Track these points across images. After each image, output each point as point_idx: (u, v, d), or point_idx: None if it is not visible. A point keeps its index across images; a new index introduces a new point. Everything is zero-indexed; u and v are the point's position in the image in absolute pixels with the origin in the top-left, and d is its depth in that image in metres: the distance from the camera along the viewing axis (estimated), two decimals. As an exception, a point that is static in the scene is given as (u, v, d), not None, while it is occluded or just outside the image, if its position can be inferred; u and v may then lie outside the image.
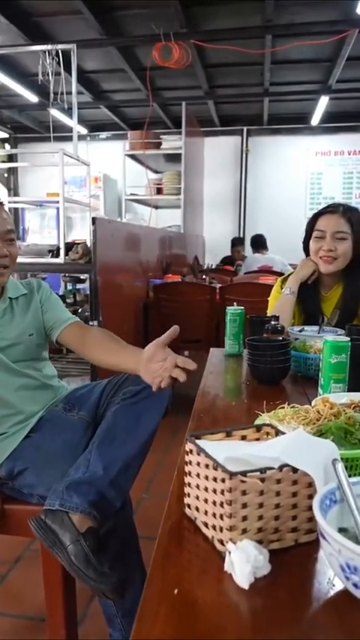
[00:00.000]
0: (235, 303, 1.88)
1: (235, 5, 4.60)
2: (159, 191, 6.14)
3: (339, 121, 7.72)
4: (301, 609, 0.59)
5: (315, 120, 7.45)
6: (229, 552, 0.63)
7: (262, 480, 0.64)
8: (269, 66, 5.74)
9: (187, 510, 0.76)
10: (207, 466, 0.68)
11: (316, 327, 1.83)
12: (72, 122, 4.07)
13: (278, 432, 0.79)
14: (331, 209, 1.90)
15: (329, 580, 0.62)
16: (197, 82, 6.28)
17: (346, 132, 7.83)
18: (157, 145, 6.02)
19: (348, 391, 1.24)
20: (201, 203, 7.66)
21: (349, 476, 0.69)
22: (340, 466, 0.66)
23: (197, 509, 0.72)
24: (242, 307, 1.84)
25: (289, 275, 2.07)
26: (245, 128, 8.10)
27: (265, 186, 8.07)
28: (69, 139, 3.99)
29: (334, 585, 0.61)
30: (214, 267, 6.53)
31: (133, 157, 6.30)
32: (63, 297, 4.01)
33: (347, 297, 1.92)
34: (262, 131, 8.11)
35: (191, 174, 6.34)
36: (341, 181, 7.86)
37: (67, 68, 3.98)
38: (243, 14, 4.74)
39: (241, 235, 7.97)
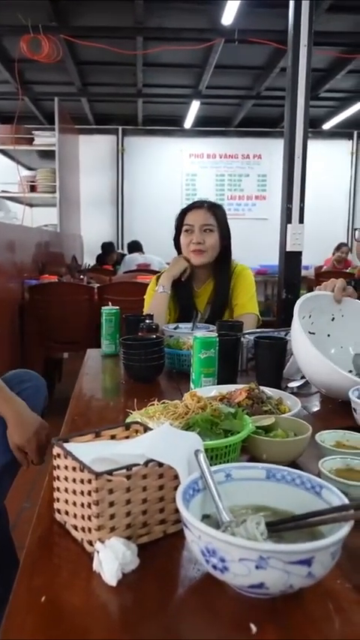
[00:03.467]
0: (109, 303, 1.88)
1: (106, 3, 4.59)
2: (33, 188, 5.93)
3: (210, 125, 8.06)
4: (169, 597, 0.61)
5: (188, 123, 7.70)
6: (98, 552, 0.63)
7: (128, 477, 0.65)
8: (142, 67, 5.81)
9: (57, 515, 0.75)
10: (74, 469, 0.68)
11: (190, 324, 1.90)
12: None
13: (146, 429, 0.81)
14: (197, 205, 2.02)
15: (194, 566, 0.65)
16: (70, 78, 6.16)
17: (218, 136, 8.21)
18: (30, 141, 5.81)
19: (218, 384, 1.31)
20: (78, 202, 7.53)
21: (214, 465, 0.73)
22: (201, 456, 0.69)
23: (67, 513, 0.72)
24: (117, 307, 1.85)
25: (162, 272, 2.13)
26: (120, 128, 8.13)
27: (141, 186, 8.17)
28: None
29: (198, 570, 0.64)
30: (91, 266, 6.49)
31: (3, 152, 6.01)
32: None
33: (218, 292, 2.03)
34: (137, 131, 8.19)
35: (67, 172, 6.20)
36: (214, 183, 8.23)
37: None
38: (113, 13, 4.75)
39: (120, 234, 8.00)
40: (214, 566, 0.56)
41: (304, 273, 5.76)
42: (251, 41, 4.82)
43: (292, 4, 3.01)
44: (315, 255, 6.99)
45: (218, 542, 0.54)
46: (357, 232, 1.67)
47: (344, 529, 0.55)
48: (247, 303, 2.02)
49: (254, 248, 7.13)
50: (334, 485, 0.66)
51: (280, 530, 0.63)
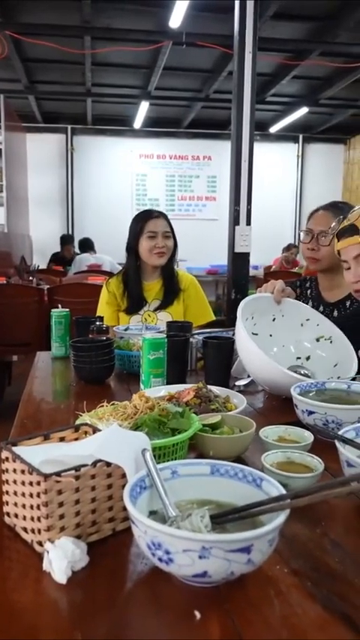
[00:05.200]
0: (59, 305, 1.88)
1: (52, 2, 4.53)
2: (-22, 187, 5.78)
3: (160, 126, 8.09)
4: (118, 592, 0.63)
5: (137, 123, 7.69)
6: (47, 552, 0.64)
7: (77, 478, 0.67)
8: (90, 67, 5.76)
9: (6, 519, 0.75)
10: (22, 472, 0.69)
11: (140, 325, 1.93)
12: None
13: (95, 430, 0.83)
14: (156, 215, 2.22)
15: (142, 560, 0.67)
16: (16, 75, 6.03)
17: (167, 137, 8.25)
18: (-26, 139, 5.66)
19: (167, 384, 1.34)
20: (26, 201, 7.38)
21: (161, 463, 0.75)
22: (148, 454, 0.72)
23: (16, 515, 0.73)
24: (67, 309, 1.85)
25: (117, 275, 2.28)
26: (69, 127, 8.03)
27: (92, 186, 8.09)
28: None
29: (146, 564, 0.66)
30: (40, 267, 6.36)
31: None
32: None
33: (166, 290, 2.21)
34: (86, 131, 8.11)
35: (14, 171, 6.08)
36: (164, 184, 8.25)
37: None
38: (61, 11, 4.69)
39: (71, 234, 7.89)
40: (160, 559, 0.58)
41: (253, 272, 5.91)
42: (199, 44, 4.88)
43: (237, 9, 3.08)
44: (264, 255, 7.16)
45: (163, 535, 0.57)
46: (301, 234, 1.75)
47: (280, 517, 0.59)
48: (209, 313, 2.29)
49: (205, 248, 7.24)
50: (275, 478, 0.70)
51: (224, 522, 0.66)
